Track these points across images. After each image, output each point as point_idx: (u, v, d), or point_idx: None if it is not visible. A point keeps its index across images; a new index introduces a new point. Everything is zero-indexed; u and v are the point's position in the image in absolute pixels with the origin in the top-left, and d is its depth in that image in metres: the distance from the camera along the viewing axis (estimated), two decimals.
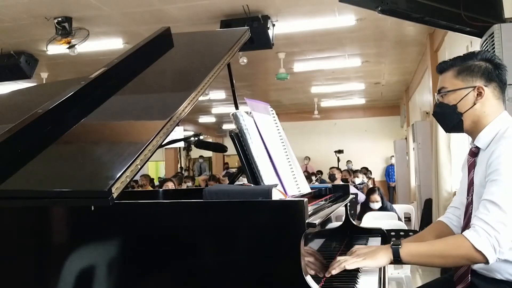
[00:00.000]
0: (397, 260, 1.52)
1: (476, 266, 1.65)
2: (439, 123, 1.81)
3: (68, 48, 5.94)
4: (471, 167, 1.72)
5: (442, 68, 1.76)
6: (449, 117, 1.72)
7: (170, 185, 6.73)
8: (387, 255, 1.53)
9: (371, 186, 10.30)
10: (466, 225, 1.71)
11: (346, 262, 1.52)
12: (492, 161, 1.55)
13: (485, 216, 1.48)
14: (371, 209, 5.51)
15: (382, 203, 5.55)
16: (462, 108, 1.68)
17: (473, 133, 1.70)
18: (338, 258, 1.57)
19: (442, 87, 1.73)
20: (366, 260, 1.54)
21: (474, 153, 1.71)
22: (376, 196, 5.57)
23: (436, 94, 1.77)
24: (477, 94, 1.66)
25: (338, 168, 8.61)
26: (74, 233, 1.33)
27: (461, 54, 1.76)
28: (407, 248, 1.53)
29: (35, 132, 1.45)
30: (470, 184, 1.71)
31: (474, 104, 1.66)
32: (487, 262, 1.46)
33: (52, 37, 5.81)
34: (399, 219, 5.54)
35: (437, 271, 4.31)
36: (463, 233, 1.49)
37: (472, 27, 3.18)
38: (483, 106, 1.66)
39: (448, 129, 1.79)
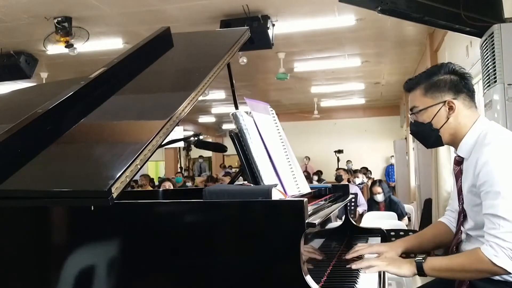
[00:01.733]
0: (420, 273, 1.59)
1: None
2: (419, 141, 1.82)
3: (66, 47, 5.93)
4: (458, 175, 1.74)
5: (409, 86, 1.76)
6: (426, 135, 1.74)
7: (167, 185, 6.72)
8: (411, 268, 1.60)
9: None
10: (458, 231, 1.75)
11: (373, 265, 1.63)
12: (480, 170, 1.55)
13: (494, 231, 1.49)
14: (377, 202, 5.67)
15: (384, 194, 5.71)
16: (437, 124, 1.69)
17: (454, 144, 1.72)
18: (366, 256, 1.74)
19: (414, 106, 1.74)
20: (390, 266, 1.62)
21: (459, 161, 1.73)
22: (377, 188, 5.73)
23: (409, 113, 1.78)
24: (448, 108, 1.67)
25: (344, 169, 8.63)
26: (74, 233, 1.33)
27: (425, 70, 1.77)
28: (430, 263, 1.59)
29: (35, 132, 1.45)
30: (459, 192, 1.73)
31: (448, 118, 1.68)
32: (509, 273, 1.49)
33: (48, 34, 5.81)
34: (402, 213, 5.65)
35: None
36: (481, 248, 1.51)
37: (472, 27, 3.18)
38: (457, 118, 1.68)
39: (428, 146, 1.81)
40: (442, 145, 1.74)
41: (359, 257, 1.78)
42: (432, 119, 1.69)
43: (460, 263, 1.58)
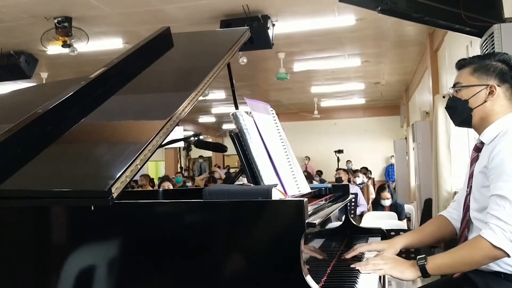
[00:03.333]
0: (425, 275, 1.58)
1: None
2: (450, 116, 1.86)
3: (63, 46, 5.93)
4: (474, 161, 1.76)
5: (460, 64, 1.81)
6: (459, 111, 1.77)
7: (166, 185, 6.68)
8: (414, 272, 1.59)
9: (371, 186, 10.31)
10: (465, 216, 1.75)
11: (377, 269, 1.61)
12: (495, 155, 1.59)
13: (497, 212, 1.51)
14: (383, 206, 5.59)
15: (392, 199, 5.63)
16: (473, 103, 1.73)
17: (480, 128, 1.75)
18: (366, 256, 1.72)
19: (458, 82, 1.78)
20: (393, 271, 1.61)
21: (479, 148, 1.76)
22: (386, 193, 5.66)
23: (450, 88, 1.82)
24: (489, 92, 1.71)
25: (344, 170, 8.60)
26: (74, 233, 1.33)
27: (480, 54, 1.84)
28: (433, 263, 1.58)
29: (35, 132, 1.45)
30: (470, 176, 1.75)
31: (485, 101, 1.71)
32: (509, 256, 1.49)
33: (44, 31, 5.80)
34: (408, 217, 5.58)
35: None
36: (480, 233, 1.53)
37: (472, 27, 3.18)
38: (493, 104, 1.71)
39: (457, 123, 1.84)
40: (470, 126, 1.77)
41: (359, 256, 1.79)
42: (470, 98, 1.73)
43: (461, 256, 1.58)
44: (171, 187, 6.53)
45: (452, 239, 1.89)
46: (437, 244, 2.05)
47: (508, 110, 1.72)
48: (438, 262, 1.59)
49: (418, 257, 1.61)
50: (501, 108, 1.71)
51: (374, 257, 1.71)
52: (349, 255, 1.79)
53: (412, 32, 6.75)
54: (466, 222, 1.75)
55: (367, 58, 8.20)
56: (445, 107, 1.86)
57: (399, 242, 1.86)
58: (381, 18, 5.21)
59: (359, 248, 1.81)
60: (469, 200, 1.73)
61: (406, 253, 2.11)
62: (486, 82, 1.72)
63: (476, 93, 1.72)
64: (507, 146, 1.58)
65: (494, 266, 1.61)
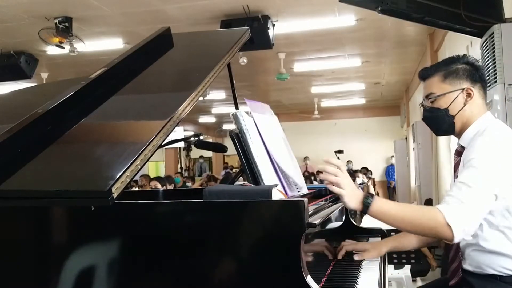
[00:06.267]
0: (364, 211, 1.49)
1: (468, 266, 1.69)
2: (430, 128, 1.84)
3: (57, 46, 5.92)
4: (456, 166, 1.76)
5: (425, 74, 1.81)
6: (441, 121, 1.75)
7: (153, 185, 6.55)
8: (358, 205, 1.49)
9: (371, 186, 10.31)
10: None
11: (336, 181, 1.48)
12: (469, 154, 1.61)
13: (456, 193, 1.51)
14: None
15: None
16: (453, 110, 1.72)
17: (460, 133, 1.76)
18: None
19: (431, 93, 1.77)
20: (344, 190, 1.48)
21: (460, 152, 1.76)
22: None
23: (424, 100, 1.81)
24: (466, 95, 1.71)
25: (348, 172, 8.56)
26: (74, 233, 1.33)
27: (441, 60, 1.82)
28: (378, 206, 1.49)
29: (35, 132, 1.45)
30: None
31: (464, 105, 1.71)
32: (452, 238, 1.45)
33: (41, 28, 5.79)
34: None
35: (437, 272, 4.31)
36: (438, 206, 1.51)
37: (472, 27, 3.18)
38: (471, 106, 1.72)
39: (440, 132, 1.84)
40: (453, 133, 1.76)
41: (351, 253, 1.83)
42: (449, 105, 1.72)
43: (410, 215, 1.51)
44: (159, 186, 6.42)
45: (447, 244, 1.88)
46: (426, 246, 2.05)
47: (483, 111, 1.73)
48: (385, 209, 1.50)
49: (369, 193, 1.52)
50: (478, 108, 1.72)
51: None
52: (340, 256, 1.82)
53: (412, 32, 6.76)
54: None
55: (367, 58, 8.20)
56: (423, 119, 1.84)
57: (385, 245, 1.89)
58: (381, 18, 5.20)
59: (345, 247, 1.84)
60: None
61: (406, 254, 2.11)
62: (460, 86, 1.71)
63: (454, 99, 1.71)
64: (478, 146, 1.59)
65: (489, 270, 1.62)
